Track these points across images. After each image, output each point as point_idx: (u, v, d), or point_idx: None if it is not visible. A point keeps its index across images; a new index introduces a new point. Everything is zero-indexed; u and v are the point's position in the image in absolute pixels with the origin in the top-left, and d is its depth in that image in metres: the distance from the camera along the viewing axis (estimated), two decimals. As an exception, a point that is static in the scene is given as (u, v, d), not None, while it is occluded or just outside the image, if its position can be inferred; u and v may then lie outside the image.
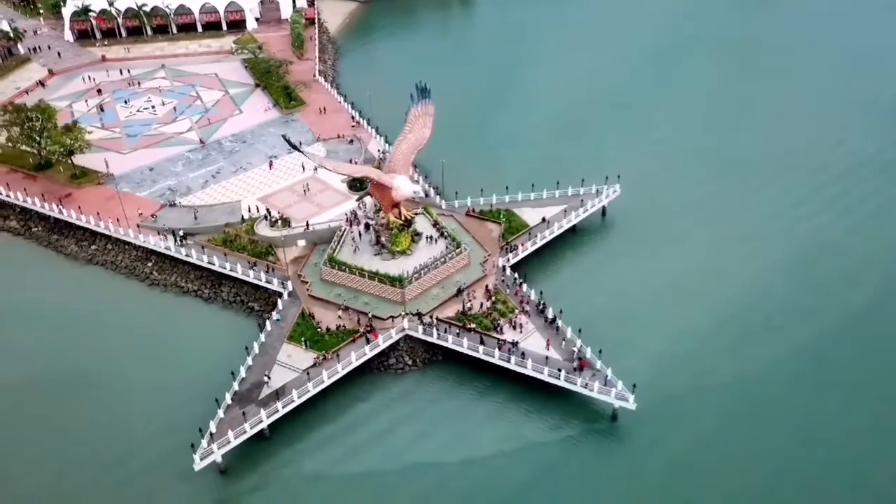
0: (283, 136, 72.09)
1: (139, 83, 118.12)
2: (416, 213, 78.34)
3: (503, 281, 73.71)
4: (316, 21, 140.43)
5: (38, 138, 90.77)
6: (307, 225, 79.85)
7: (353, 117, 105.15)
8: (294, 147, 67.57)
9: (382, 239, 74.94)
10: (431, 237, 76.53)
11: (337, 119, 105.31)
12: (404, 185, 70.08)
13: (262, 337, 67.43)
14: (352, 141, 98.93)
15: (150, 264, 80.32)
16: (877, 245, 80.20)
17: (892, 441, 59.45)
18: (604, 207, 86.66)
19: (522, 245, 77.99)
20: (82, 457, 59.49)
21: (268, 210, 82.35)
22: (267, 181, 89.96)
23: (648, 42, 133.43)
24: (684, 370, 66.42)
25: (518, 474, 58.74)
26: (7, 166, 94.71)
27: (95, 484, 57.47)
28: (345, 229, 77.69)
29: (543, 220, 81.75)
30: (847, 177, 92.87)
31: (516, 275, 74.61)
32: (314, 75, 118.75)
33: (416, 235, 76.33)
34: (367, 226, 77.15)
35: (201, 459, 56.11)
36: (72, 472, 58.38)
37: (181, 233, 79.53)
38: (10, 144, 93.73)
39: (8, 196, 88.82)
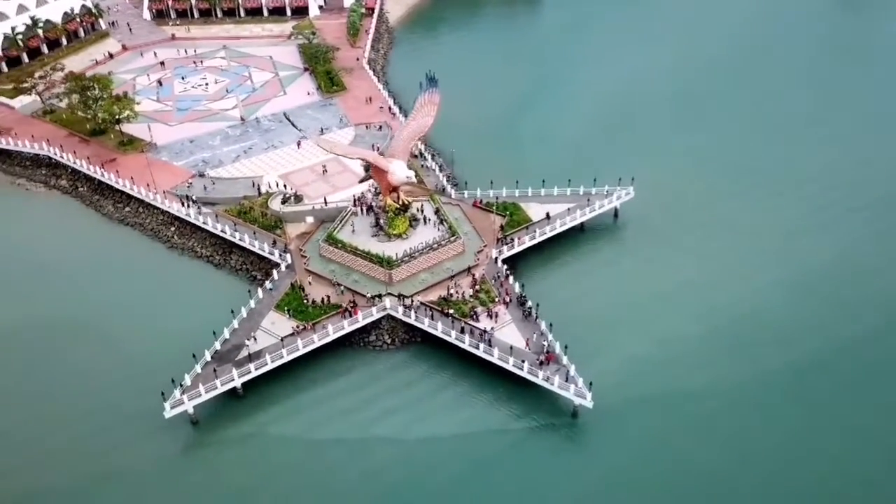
0: (284, 114, 75.51)
1: (201, 62, 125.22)
2: (416, 199, 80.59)
3: (497, 274, 74.64)
4: (376, 10, 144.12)
5: (92, 106, 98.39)
6: (325, 201, 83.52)
7: (389, 108, 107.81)
8: (293, 125, 70.89)
9: (381, 221, 77.51)
10: (430, 222, 78.51)
11: (376, 107, 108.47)
12: (399, 170, 72.31)
13: (252, 303, 71.36)
14: (381, 128, 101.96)
15: (172, 229, 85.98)
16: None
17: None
18: (616, 209, 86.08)
19: (519, 239, 78.72)
20: (63, 396, 65.01)
21: (285, 186, 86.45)
22: (292, 160, 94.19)
23: (713, 45, 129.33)
24: (657, 376, 65.74)
25: (470, 458, 60.00)
26: (66, 130, 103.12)
27: (69, 422, 62.66)
28: (350, 210, 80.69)
29: (547, 216, 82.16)
30: (887, 203, 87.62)
31: (505, 267, 75.50)
32: (361, 63, 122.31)
33: (415, 220, 78.49)
34: (370, 208, 79.85)
35: (171, 408, 60.41)
36: (49, 411, 63.93)
37: (193, 197, 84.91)
38: (69, 111, 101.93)
39: (61, 157, 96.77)
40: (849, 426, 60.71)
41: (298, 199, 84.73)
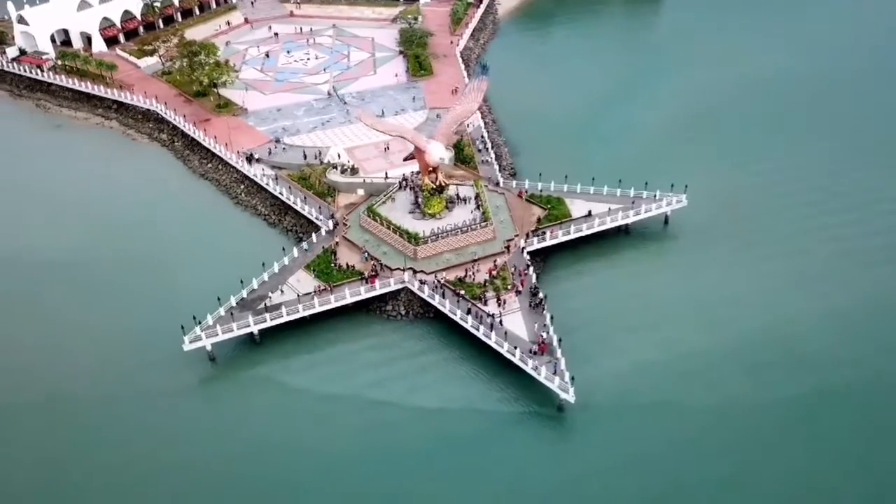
0: (332, 88, 79.92)
1: (312, 39, 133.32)
2: (460, 183, 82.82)
3: (516, 264, 75.55)
4: (484, 1, 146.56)
5: (197, 70, 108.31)
6: (386, 175, 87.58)
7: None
8: (340, 99, 75.21)
9: (419, 200, 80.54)
10: (467, 206, 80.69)
11: (457, 94, 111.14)
12: (435, 151, 74.98)
13: (286, 260, 76.76)
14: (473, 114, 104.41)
15: (242, 187, 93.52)
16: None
17: None
18: (666, 216, 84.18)
19: (552, 233, 79.03)
20: (106, 315, 73.58)
21: (348, 160, 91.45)
22: (360, 135, 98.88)
23: (825, 57, 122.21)
24: (655, 385, 64.96)
25: (451, 432, 62.38)
26: (176, 90, 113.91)
27: (104, 338, 70.92)
28: (395, 187, 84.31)
29: (589, 213, 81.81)
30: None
31: (527, 258, 76.21)
32: (454, 50, 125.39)
33: (451, 203, 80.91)
34: (412, 187, 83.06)
35: (190, 343, 66.87)
36: (91, 325, 72.64)
37: (257, 156, 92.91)
38: (180, 73, 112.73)
39: (166, 114, 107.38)
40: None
41: (354, 171, 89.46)
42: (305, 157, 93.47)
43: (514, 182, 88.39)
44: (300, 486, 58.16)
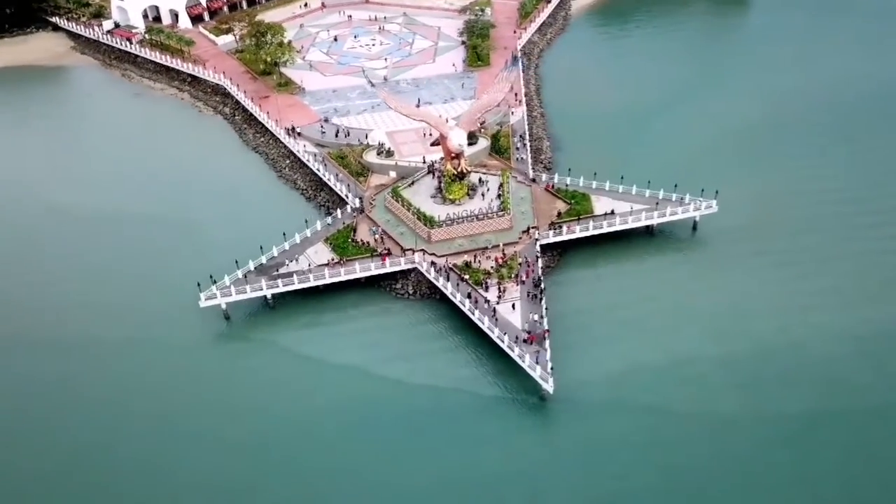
0: (362, 70, 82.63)
1: (382, 27, 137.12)
2: (487, 173, 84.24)
3: (536, 256, 76.27)
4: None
5: (263, 48, 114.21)
6: (423, 160, 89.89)
7: (515, 92, 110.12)
8: (370, 82, 78.14)
9: (442, 185, 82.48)
10: (489, 194, 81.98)
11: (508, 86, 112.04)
12: (454, 137, 76.78)
13: (308, 232, 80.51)
14: (498, 105, 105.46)
15: (287, 162, 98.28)
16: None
17: None
18: (695, 221, 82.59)
19: (569, 227, 79.16)
20: (133, 268, 79.98)
21: (382, 144, 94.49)
22: (404, 121, 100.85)
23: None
24: (645, 387, 64.54)
25: (433, 408, 64.36)
26: (245, 67, 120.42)
27: (126, 287, 77.17)
28: (424, 171, 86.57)
29: (612, 212, 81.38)
30: None
31: (538, 251, 76.70)
32: (516, 43, 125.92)
33: (473, 190, 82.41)
34: (437, 172, 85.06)
35: (206, 300, 71.69)
36: (118, 276, 78.90)
37: (299, 130, 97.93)
38: (248, 52, 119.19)
39: (231, 88, 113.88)
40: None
41: (390, 154, 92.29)
42: (347, 135, 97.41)
43: (544, 175, 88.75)
44: (289, 443, 61.50)
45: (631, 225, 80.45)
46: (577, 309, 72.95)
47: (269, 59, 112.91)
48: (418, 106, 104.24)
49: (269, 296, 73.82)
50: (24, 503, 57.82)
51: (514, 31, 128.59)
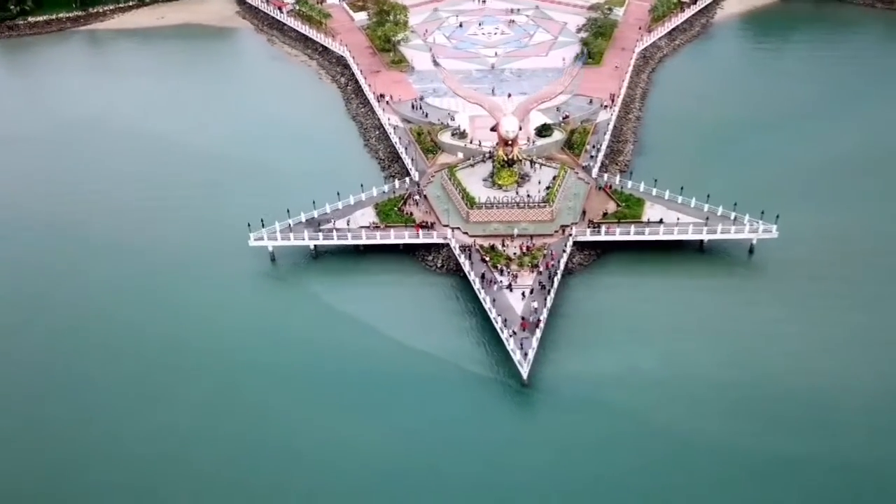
0: (433, 56, 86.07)
1: (512, 20, 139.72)
2: (547, 165, 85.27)
3: (563, 251, 76.48)
4: (694, 2, 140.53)
5: (383, 26, 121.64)
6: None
7: (612, 95, 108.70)
8: (435, 62, 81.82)
9: (494, 170, 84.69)
10: (541, 185, 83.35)
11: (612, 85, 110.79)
12: (505, 123, 79.02)
13: (363, 196, 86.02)
14: (591, 101, 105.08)
15: (376, 132, 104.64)
16: None
17: None
18: (752, 245, 78.57)
19: (608, 229, 78.33)
20: (195, 205, 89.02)
21: (458, 126, 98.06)
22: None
23: None
24: (633, 394, 63.21)
25: (427, 376, 66.69)
26: (369, 43, 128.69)
27: (181, 228, 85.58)
28: (486, 155, 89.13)
29: (660, 221, 79.49)
30: None
31: (569, 246, 76.66)
32: (635, 46, 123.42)
33: (524, 177, 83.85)
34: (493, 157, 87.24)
35: (255, 240, 79.50)
36: (176, 215, 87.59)
37: (388, 99, 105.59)
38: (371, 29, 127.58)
39: (349, 61, 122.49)
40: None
41: (463, 136, 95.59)
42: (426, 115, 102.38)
43: (606, 175, 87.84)
44: (295, 383, 66.50)
45: (676, 236, 78.09)
46: (593, 308, 72.72)
47: (383, 37, 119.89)
48: (510, 96, 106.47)
49: (311, 246, 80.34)
50: (79, 407, 64.70)
51: (638, 38, 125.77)
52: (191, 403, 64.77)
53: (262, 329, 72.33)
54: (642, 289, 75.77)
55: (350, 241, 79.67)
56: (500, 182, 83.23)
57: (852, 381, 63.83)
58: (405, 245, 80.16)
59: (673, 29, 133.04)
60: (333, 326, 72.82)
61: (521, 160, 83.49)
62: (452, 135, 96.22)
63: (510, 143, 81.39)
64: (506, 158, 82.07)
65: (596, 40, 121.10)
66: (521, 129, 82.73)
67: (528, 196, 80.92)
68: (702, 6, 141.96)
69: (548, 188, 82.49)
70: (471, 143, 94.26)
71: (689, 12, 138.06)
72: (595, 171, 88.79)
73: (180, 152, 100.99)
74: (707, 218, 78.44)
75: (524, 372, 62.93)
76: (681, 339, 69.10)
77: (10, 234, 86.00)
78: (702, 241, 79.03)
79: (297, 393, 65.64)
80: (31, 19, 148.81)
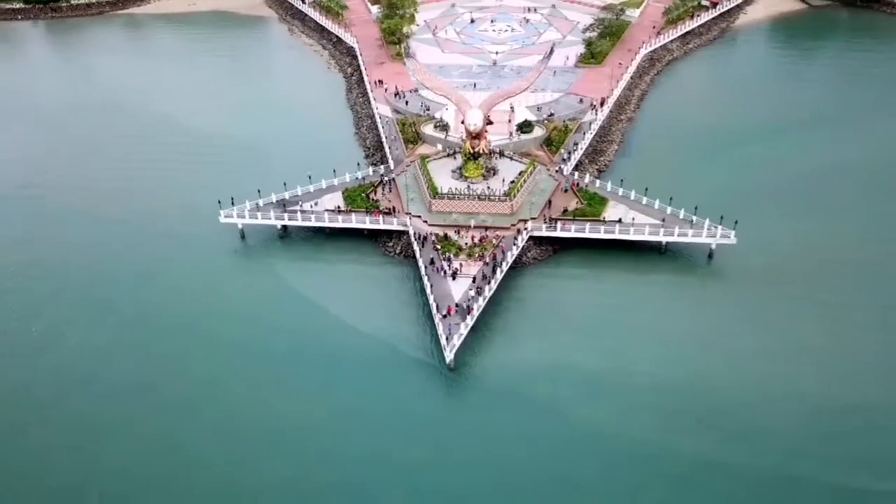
0: (406, 45, 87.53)
1: (527, 19, 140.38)
2: (517, 160, 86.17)
3: (513, 245, 77.43)
4: (714, 6, 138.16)
5: (388, 19, 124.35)
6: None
7: (602, 99, 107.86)
8: (408, 53, 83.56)
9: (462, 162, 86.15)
10: (506, 179, 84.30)
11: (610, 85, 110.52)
12: (469, 116, 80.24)
13: (335, 181, 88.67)
14: (581, 101, 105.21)
15: (368, 122, 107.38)
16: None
17: None
18: (711, 250, 77.92)
19: (563, 225, 78.84)
20: (166, 178, 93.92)
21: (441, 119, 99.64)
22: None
23: None
24: (561, 387, 63.31)
25: (357, 353, 68.43)
26: (379, 35, 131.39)
27: (156, 199, 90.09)
28: (458, 148, 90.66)
29: (619, 220, 79.58)
30: None
31: (523, 241, 77.48)
32: (641, 47, 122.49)
33: (490, 171, 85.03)
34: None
35: (224, 217, 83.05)
36: (153, 185, 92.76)
37: (385, 87, 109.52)
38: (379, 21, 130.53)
39: (357, 52, 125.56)
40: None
41: (445, 128, 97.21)
42: (427, 109, 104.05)
43: (577, 174, 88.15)
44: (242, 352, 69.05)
45: (633, 237, 77.94)
46: (538, 302, 73.25)
47: (388, 29, 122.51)
48: (475, 86, 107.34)
49: (279, 226, 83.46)
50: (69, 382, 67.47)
51: (644, 42, 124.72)
52: (134, 368, 67.44)
53: (220, 303, 75.14)
54: (594, 286, 76.02)
55: (314, 223, 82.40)
56: (466, 174, 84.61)
57: (792, 389, 62.39)
58: (369, 230, 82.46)
59: (687, 32, 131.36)
60: (288, 305, 75.25)
61: (486, 153, 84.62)
62: (435, 127, 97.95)
63: (476, 136, 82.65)
64: (472, 151, 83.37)
65: (600, 40, 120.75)
66: (490, 122, 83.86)
67: (489, 188, 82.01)
68: (723, 10, 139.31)
69: (512, 182, 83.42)
70: (451, 136, 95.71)
71: (707, 16, 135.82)
72: (567, 170, 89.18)
73: (181, 131, 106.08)
74: (664, 219, 78.01)
75: (448, 356, 64.25)
76: (623, 338, 69.09)
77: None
78: (661, 243, 78.72)
79: (243, 367, 67.69)
80: (72, 1, 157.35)
